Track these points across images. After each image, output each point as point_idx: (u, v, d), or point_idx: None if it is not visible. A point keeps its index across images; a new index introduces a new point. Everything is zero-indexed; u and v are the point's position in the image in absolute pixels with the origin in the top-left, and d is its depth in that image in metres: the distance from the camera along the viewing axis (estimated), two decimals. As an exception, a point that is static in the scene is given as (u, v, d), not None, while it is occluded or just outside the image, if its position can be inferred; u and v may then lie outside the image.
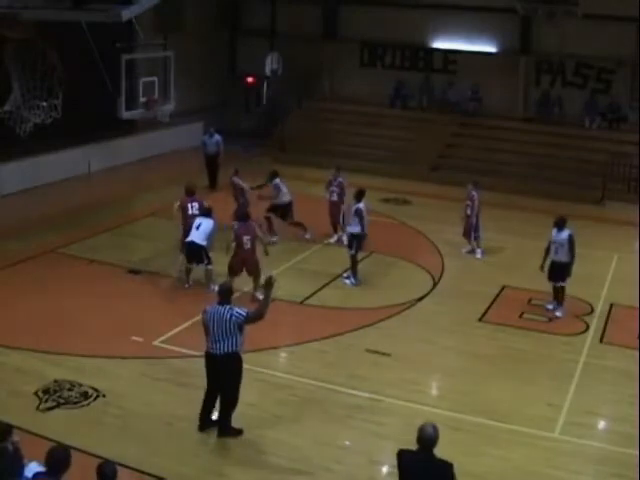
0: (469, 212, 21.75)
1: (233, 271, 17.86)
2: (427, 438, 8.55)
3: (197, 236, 18.10)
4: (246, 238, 17.79)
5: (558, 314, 17.93)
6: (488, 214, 22.60)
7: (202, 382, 12.81)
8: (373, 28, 34.44)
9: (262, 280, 14.98)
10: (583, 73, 32.67)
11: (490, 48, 33.62)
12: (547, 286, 18.16)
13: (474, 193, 21.76)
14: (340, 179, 22.64)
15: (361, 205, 19.44)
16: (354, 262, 19.61)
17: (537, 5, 29.00)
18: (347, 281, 19.63)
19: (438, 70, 34.66)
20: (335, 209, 22.48)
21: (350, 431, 13.14)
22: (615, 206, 27.60)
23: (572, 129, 31.46)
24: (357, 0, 35.00)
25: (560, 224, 17.77)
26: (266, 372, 14.63)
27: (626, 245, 23.51)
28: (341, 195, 22.47)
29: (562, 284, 17.93)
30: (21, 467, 8.31)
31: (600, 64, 32.03)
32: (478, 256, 21.87)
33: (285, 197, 22.35)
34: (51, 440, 10.99)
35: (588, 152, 30.23)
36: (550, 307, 18.17)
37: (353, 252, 19.51)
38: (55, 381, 13.88)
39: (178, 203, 19.42)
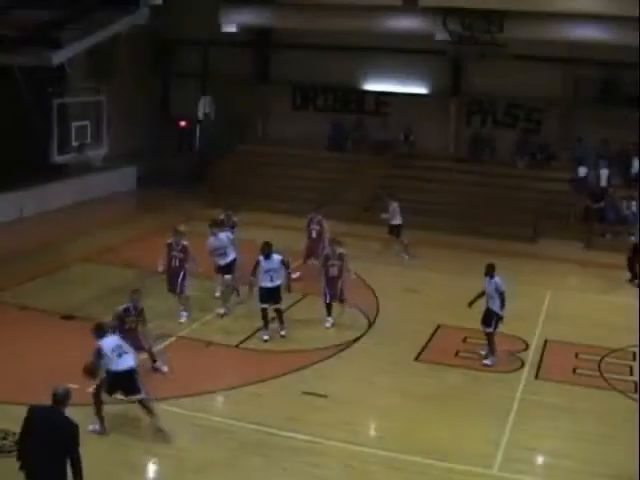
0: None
1: None
2: (57, 395, 10.28)
3: None
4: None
5: (488, 362, 17.56)
6: (421, 253, 22.56)
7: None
8: (305, 71, 34.59)
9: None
10: (513, 113, 33.27)
11: (421, 89, 34.01)
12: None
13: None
14: (319, 217, 22.89)
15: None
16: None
17: (467, 47, 29.37)
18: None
19: (371, 112, 34.98)
20: (315, 246, 22.58)
21: (288, 474, 12.97)
22: (547, 243, 28.03)
23: (503, 168, 31.91)
24: (289, 44, 35.21)
25: (489, 271, 17.25)
26: (201, 416, 14.46)
27: (559, 281, 23.81)
28: (321, 233, 22.70)
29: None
30: None
31: (529, 104, 32.64)
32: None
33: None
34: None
35: (519, 191, 30.71)
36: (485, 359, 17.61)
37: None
38: (-13, 431, 13.57)
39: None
